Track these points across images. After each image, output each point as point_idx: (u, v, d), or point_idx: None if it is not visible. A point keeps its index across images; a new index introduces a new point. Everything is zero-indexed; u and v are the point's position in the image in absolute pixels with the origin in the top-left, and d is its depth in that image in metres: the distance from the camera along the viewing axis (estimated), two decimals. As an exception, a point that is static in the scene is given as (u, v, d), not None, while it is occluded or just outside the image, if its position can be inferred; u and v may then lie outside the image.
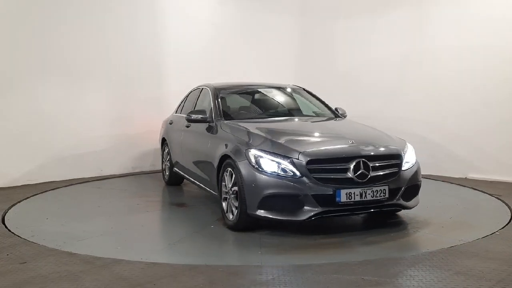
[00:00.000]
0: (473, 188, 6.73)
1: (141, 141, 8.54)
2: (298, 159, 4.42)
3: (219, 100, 5.93)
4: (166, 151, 7.30)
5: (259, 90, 6.55)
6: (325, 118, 6.10)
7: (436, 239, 4.45)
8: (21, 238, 4.60)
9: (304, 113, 6.22)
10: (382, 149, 4.79)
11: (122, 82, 8.36)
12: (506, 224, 4.87)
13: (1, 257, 4.04)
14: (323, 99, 6.53)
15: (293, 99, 6.54)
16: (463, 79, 7.55)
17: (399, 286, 3.32)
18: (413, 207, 4.96)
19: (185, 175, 6.52)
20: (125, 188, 7.28)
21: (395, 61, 8.36)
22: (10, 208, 5.83)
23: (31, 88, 7.40)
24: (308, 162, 4.40)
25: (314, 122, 5.96)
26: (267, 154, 4.53)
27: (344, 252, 4.14)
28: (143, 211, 5.80)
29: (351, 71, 8.83)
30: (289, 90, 6.62)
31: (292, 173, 4.39)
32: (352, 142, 4.71)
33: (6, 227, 5.00)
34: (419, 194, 5.09)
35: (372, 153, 4.63)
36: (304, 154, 4.45)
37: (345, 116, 6.14)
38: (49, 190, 6.93)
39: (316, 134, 5.33)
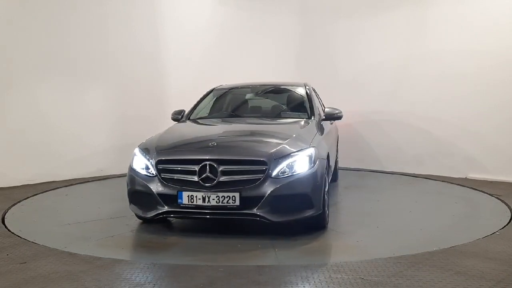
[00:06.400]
0: (473, 188, 6.73)
1: (141, 142, 8.52)
2: (152, 159, 4.59)
3: (203, 99, 6.22)
4: None
5: (256, 90, 6.53)
6: (288, 120, 5.66)
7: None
8: (21, 238, 4.60)
9: (277, 114, 5.98)
10: (239, 153, 4.51)
11: (123, 82, 8.37)
12: (506, 224, 4.88)
13: (1, 257, 4.03)
14: (322, 98, 6.48)
15: (284, 100, 6.43)
16: (464, 79, 7.53)
17: (399, 286, 3.31)
18: (280, 221, 4.34)
19: None
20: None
21: (396, 61, 8.34)
22: (10, 208, 5.83)
23: (31, 88, 7.41)
24: (158, 162, 4.54)
25: (258, 124, 5.62)
26: (140, 152, 4.79)
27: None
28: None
29: (352, 70, 8.81)
30: (290, 90, 6.50)
31: (150, 172, 4.57)
32: (213, 144, 4.58)
33: (6, 227, 5.00)
34: (313, 208, 4.43)
35: (224, 157, 4.38)
36: (156, 154, 4.61)
37: (340, 117, 5.77)
38: (49, 190, 6.93)
39: (211, 136, 5.04)
